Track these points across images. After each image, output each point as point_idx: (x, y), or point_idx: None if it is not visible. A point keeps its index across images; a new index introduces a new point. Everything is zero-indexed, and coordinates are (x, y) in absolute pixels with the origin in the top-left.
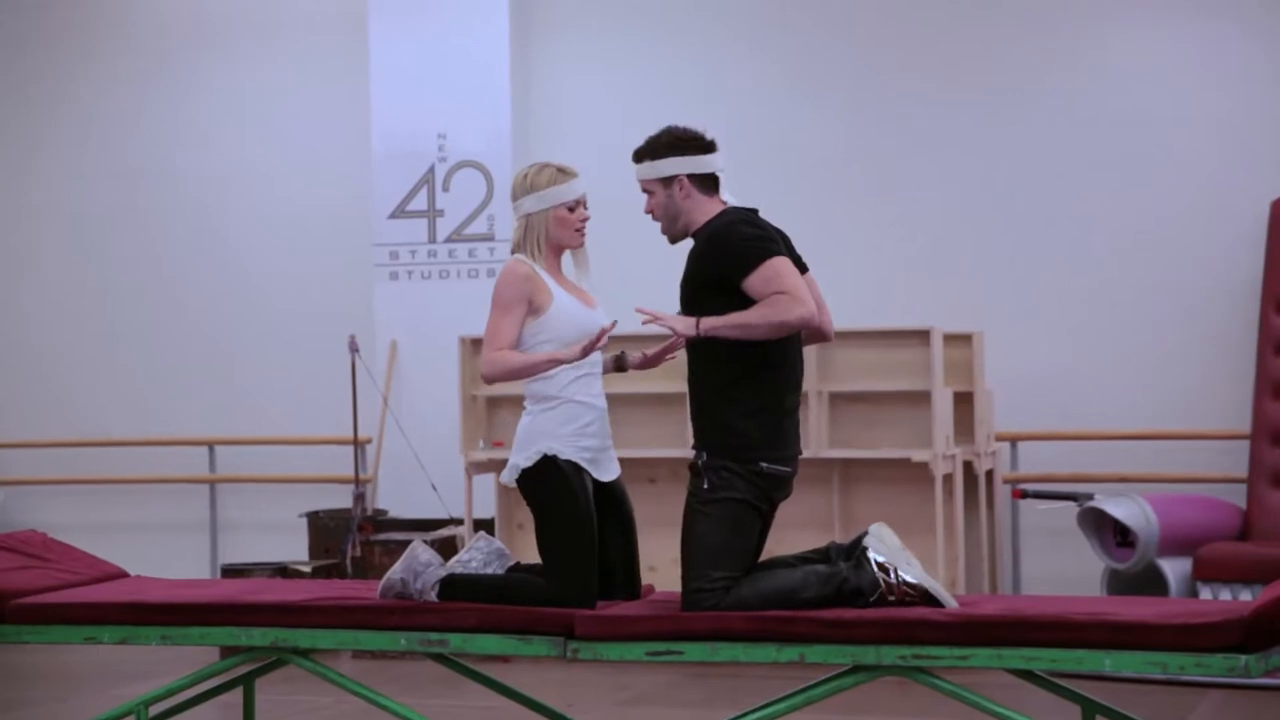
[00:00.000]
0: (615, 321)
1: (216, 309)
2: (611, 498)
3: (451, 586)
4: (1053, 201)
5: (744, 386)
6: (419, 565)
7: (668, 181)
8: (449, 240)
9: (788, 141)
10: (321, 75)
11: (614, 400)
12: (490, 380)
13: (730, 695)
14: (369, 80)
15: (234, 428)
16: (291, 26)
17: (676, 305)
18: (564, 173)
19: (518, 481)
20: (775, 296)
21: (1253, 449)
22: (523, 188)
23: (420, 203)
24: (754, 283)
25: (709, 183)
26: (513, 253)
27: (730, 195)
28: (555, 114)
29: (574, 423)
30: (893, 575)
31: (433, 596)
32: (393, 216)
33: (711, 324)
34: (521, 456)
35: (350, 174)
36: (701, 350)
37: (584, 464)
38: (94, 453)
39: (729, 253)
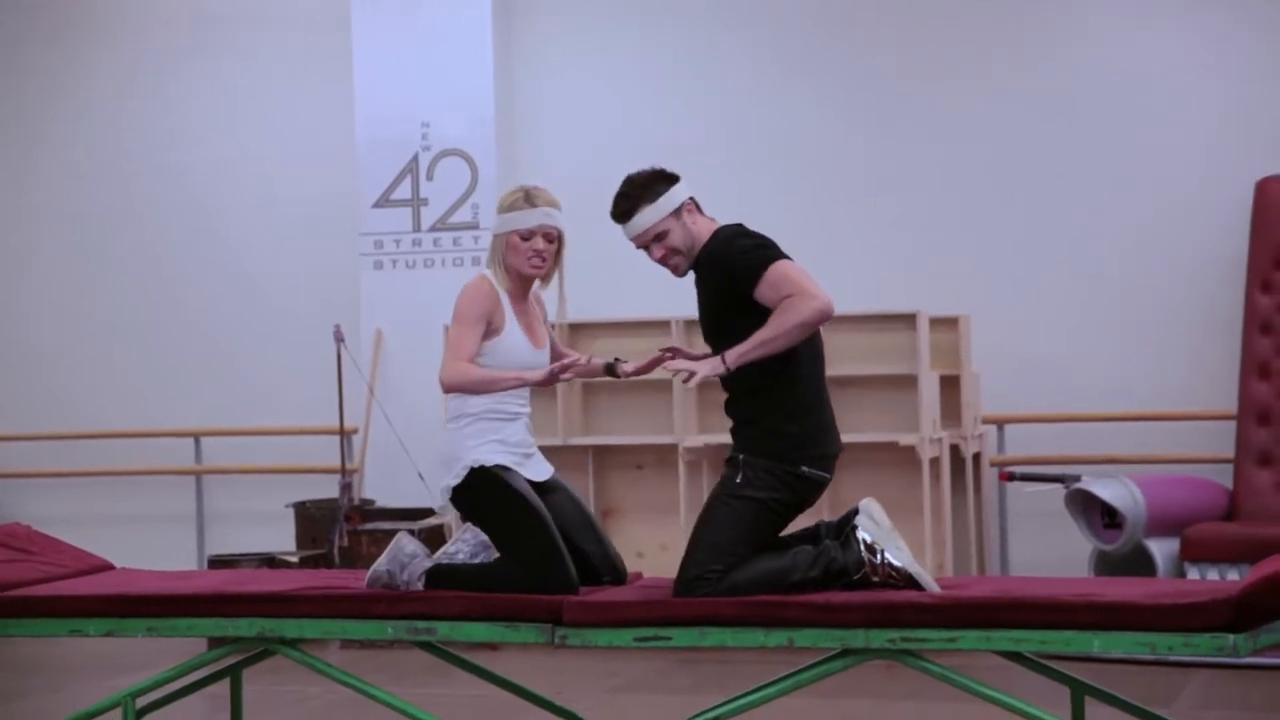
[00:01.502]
0: (589, 357)
1: (202, 300)
2: (555, 491)
3: (437, 577)
4: (1038, 185)
5: (784, 389)
6: (404, 556)
7: (677, 212)
8: (433, 229)
9: (775, 128)
10: (305, 65)
11: (600, 388)
12: (448, 389)
13: (719, 681)
14: (352, 69)
15: (220, 419)
16: (275, 16)
17: (665, 295)
18: (529, 198)
19: (453, 501)
20: (786, 301)
21: (1239, 429)
22: (497, 207)
23: (404, 191)
24: (764, 290)
25: (697, 203)
26: (485, 268)
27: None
28: (539, 102)
29: (493, 434)
30: (878, 557)
31: (419, 587)
32: (377, 206)
33: (738, 354)
34: (450, 475)
35: (334, 163)
36: (737, 372)
37: (512, 465)
38: (80, 445)
39: (731, 267)
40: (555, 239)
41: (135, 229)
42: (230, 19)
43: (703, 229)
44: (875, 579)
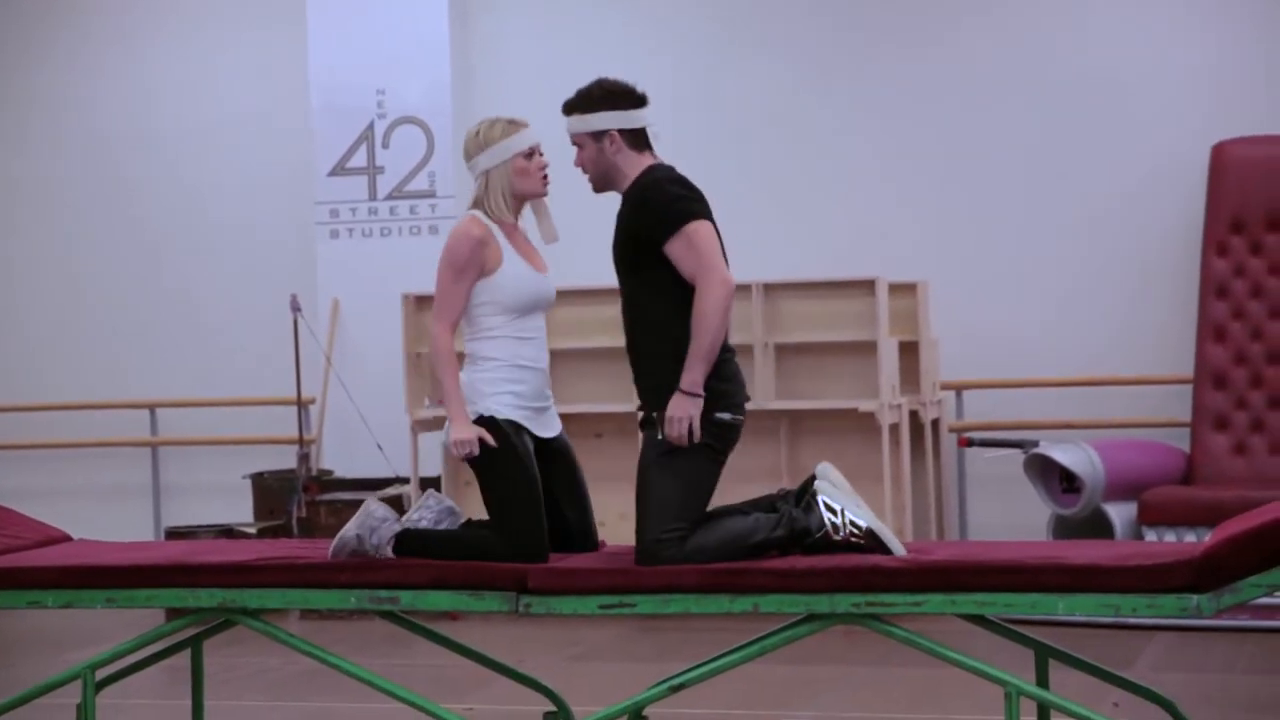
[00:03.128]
0: (491, 444)
1: (157, 271)
2: (556, 454)
3: (407, 541)
4: (995, 151)
5: (686, 343)
6: (374, 520)
7: (598, 136)
8: (390, 197)
9: (731, 94)
10: (259, 33)
11: (558, 355)
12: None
13: (682, 648)
14: (307, 37)
15: (175, 390)
16: None
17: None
18: (514, 124)
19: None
20: (698, 299)
21: (1195, 393)
22: (475, 145)
23: (360, 160)
24: (675, 246)
25: (639, 138)
26: (471, 209)
27: (659, 151)
28: (496, 68)
29: (511, 384)
30: (840, 517)
31: (389, 552)
32: (332, 174)
33: (692, 380)
34: None
35: (289, 132)
36: (637, 312)
37: (523, 421)
38: (35, 417)
39: (653, 212)
40: (542, 155)
41: (88, 201)
42: None
43: (630, 164)
44: (837, 538)
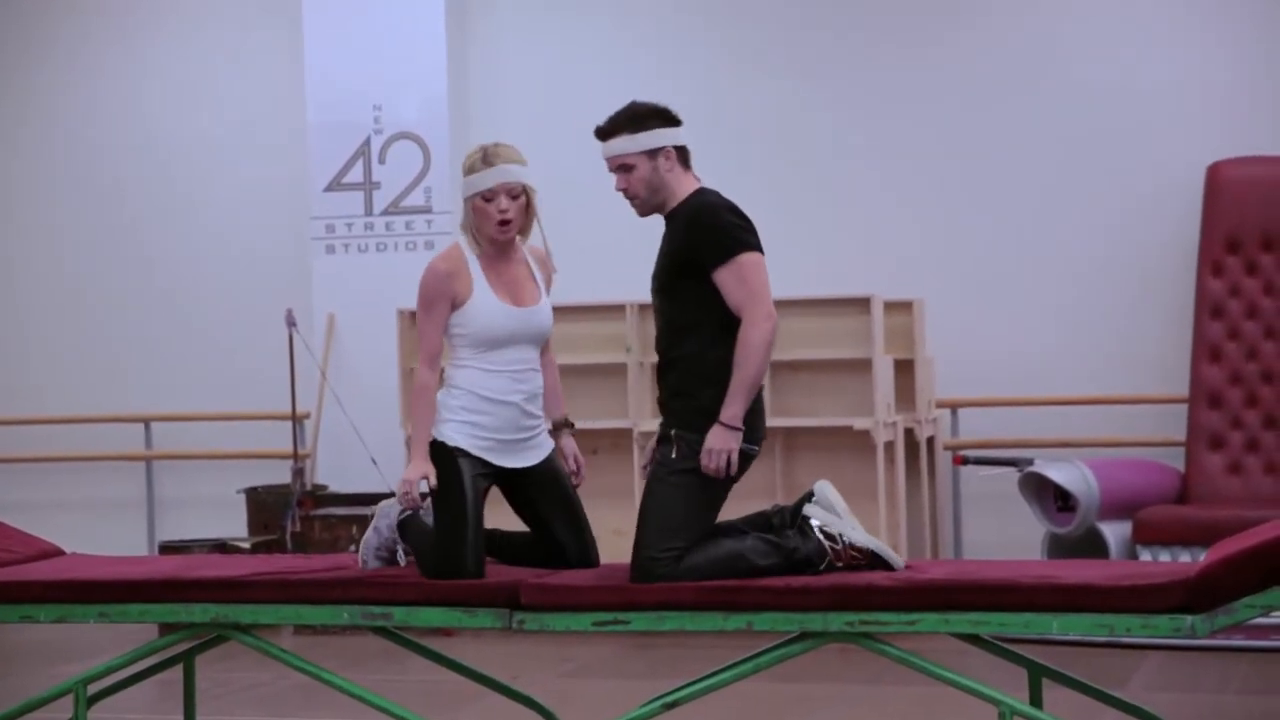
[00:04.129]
0: (432, 488)
1: (153, 285)
2: (544, 479)
3: (405, 525)
4: (992, 170)
5: (717, 366)
6: (387, 507)
7: (653, 153)
8: (386, 213)
9: (728, 111)
10: (255, 47)
11: None
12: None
13: (675, 666)
14: (303, 52)
15: (170, 404)
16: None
17: (618, 280)
18: (486, 158)
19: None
20: (746, 336)
21: (1191, 412)
22: (463, 170)
23: (356, 175)
24: (724, 275)
25: (686, 155)
26: (461, 231)
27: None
28: (492, 84)
29: (471, 414)
30: (839, 541)
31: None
32: (328, 189)
33: (733, 414)
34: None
35: (285, 147)
36: (675, 334)
37: (478, 452)
38: (29, 430)
39: (706, 238)
40: (520, 194)
41: (83, 214)
42: (181, 2)
43: (680, 183)
44: (840, 564)
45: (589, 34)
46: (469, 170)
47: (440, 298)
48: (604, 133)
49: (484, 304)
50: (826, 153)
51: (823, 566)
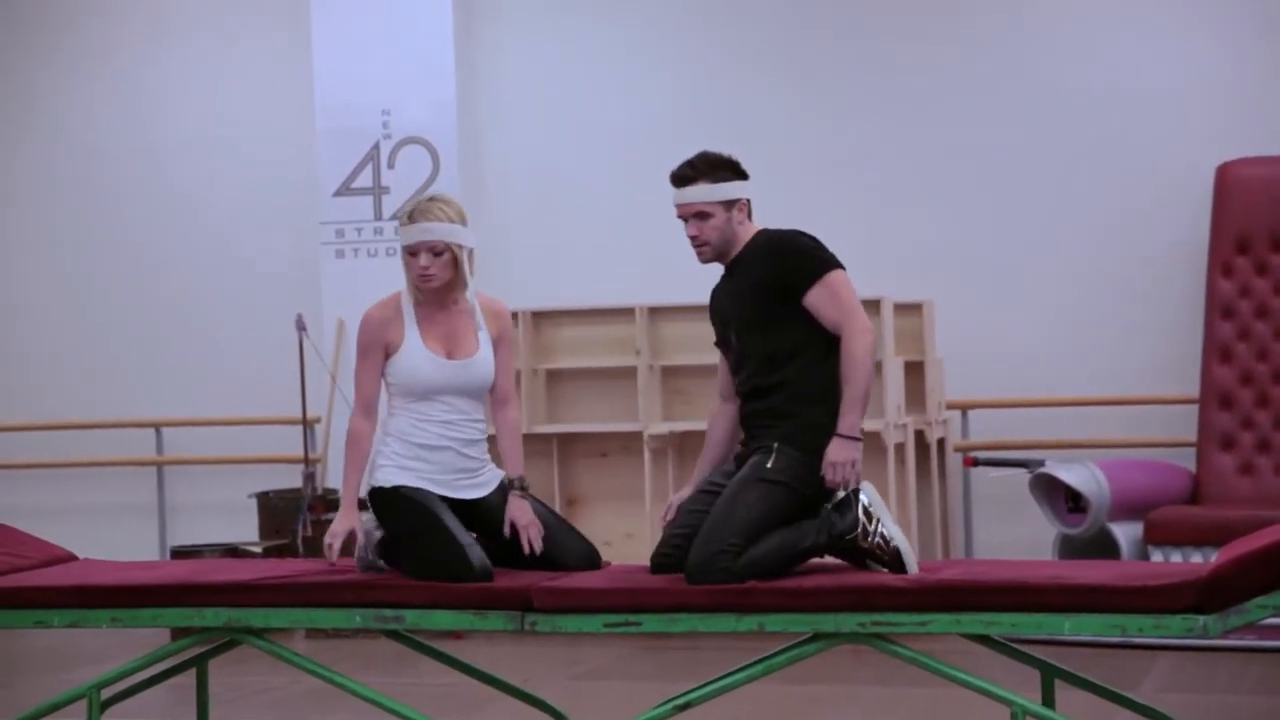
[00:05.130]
0: (381, 540)
1: (162, 290)
2: (493, 510)
3: (395, 559)
4: (1001, 171)
5: (824, 387)
6: (369, 524)
7: (729, 205)
8: (395, 217)
9: (734, 113)
10: (264, 52)
11: (563, 375)
12: None
13: (686, 668)
14: (312, 57)
15: (181, 409)
16: (234, 2)
17: (628, 283)
18: (410, 216)
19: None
20: (850, 350)
21: (1201, 413)
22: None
23: (365, 180)
24: (817, 295)
25: (751, 209)
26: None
27: None
28: (501, 88)
29: (408, 460)
30: (873, 524)
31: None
32: (338, 194)
33: (850, 425)
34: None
35: (294, 152)
36: (775, 363)
37: (418, 483)
38: (39, 436)
39: (797, 262)
40: (443, 251)
41: (95, 219)
42: (189, 6)
43: (745, 231)
44: (864, 544)
45: (597, 39)
46: (400, 223)
47: (373, 345)
48: (680, 180)
49: (413, 354)
50: (834, 155)
51: (849, 537)
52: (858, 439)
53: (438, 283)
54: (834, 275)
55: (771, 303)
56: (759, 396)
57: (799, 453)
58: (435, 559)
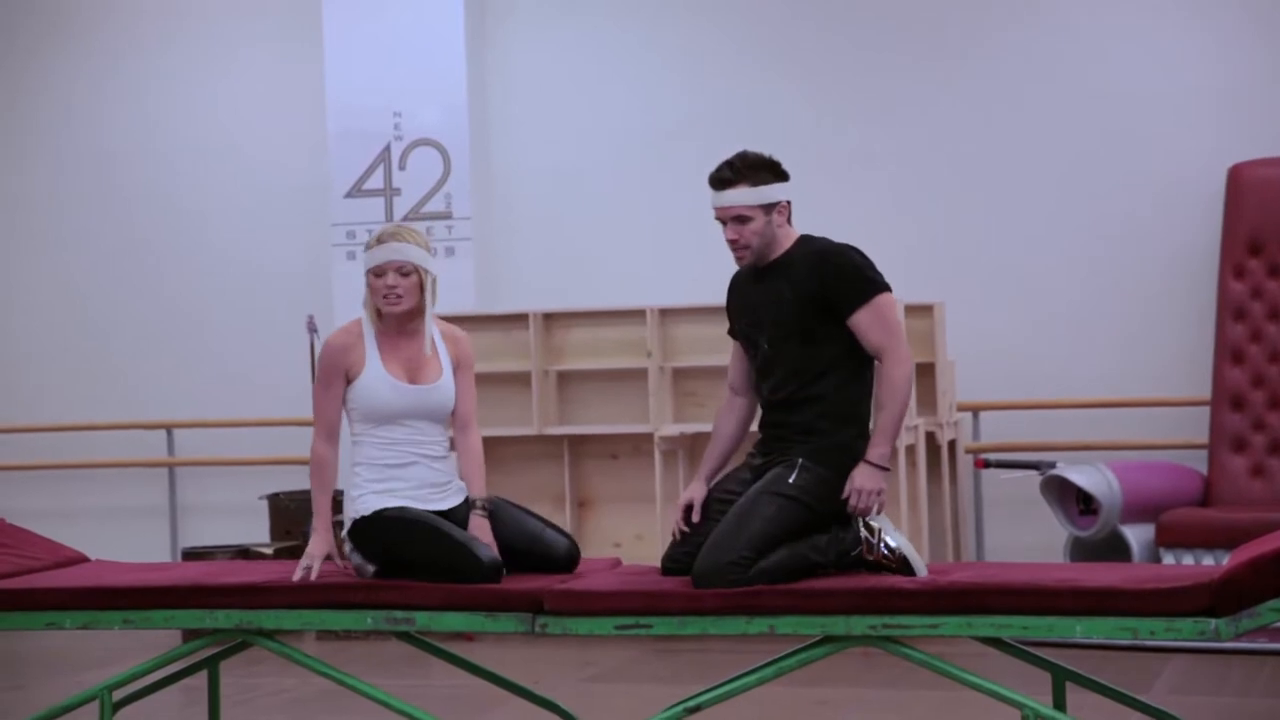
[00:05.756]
0: (309, 570)
1: (174, 291)
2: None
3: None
4: (1012, 173)
5: (863, 410)
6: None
7: (769, 208)
8: (406, 219)
9: (748, 116)
10: (276, 54)
11: (573, 376)
12: None
13: (697, 670)
14: (324, 59)
15: (192, 410)
16: (245, 6)
17: (639, 285)
18: (380, 239)
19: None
20: (889, 377)
21: (1213, 415)
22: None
23: (377, 181)
24: (863, 317)
25: (790, 211)
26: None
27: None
28: (512, 89)
29: (380, 484)
30: (876, 537)
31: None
32: (349, 195)
33: (880, 454)
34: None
35: (306, 154)
36: (809, 377)
37: (398, 502)
38: (52, 437)
39: (845, 281)
40: (410, 273)
41: (107, 221)
42: (200, 10)
43: (785, 234)
44: (870, 557)
45: (607, 40)
46: (366, 248)
47: (334, 371)
48: (720, 182)
49: (369, 380)
50: (846, 157)
51: (854, 553)
52: (887, 469)
53: (404, 305)
54: (882, 299)
55: (813, 317)
56: (787, 409)
57: (824, 470)
58: (443, 564)
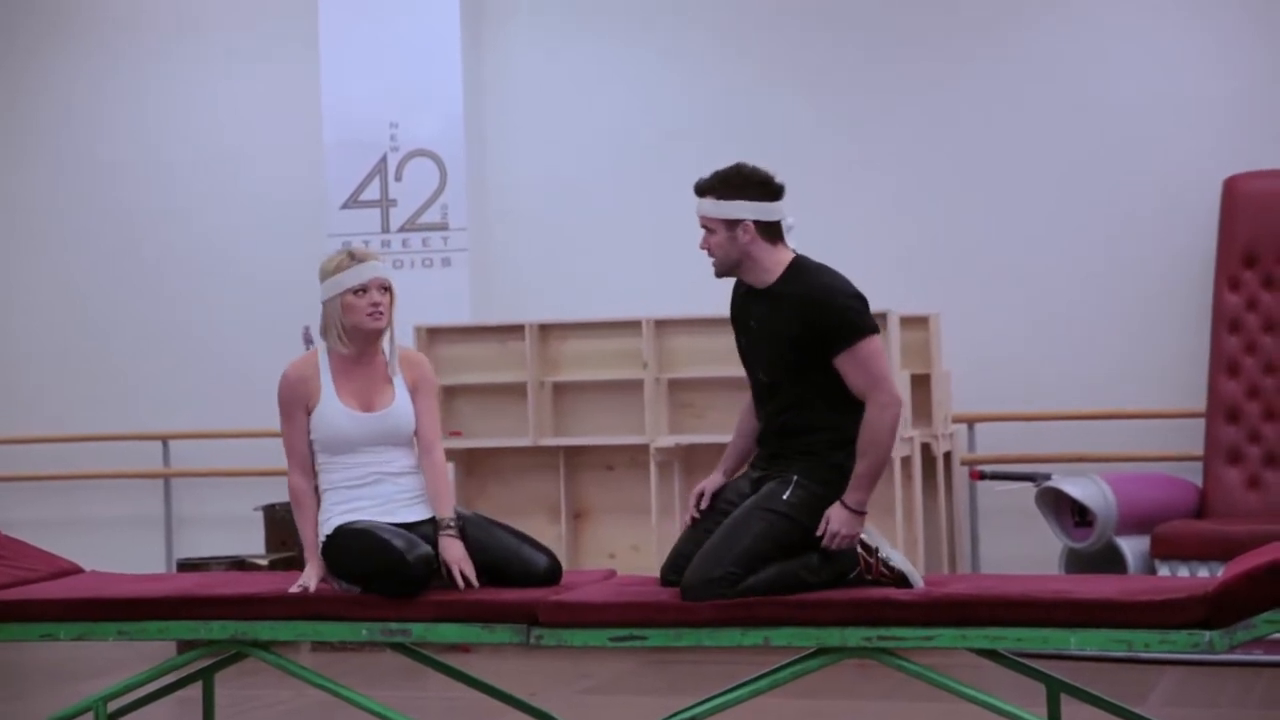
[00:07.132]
0: (305, 588)
1: (169, 303)
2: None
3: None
4: (1008, 184)
5: (850, 429)
6: None
7: (731, 224)
8: (403, 230)
9: (745, 127)
10: (272, 66)
11: (569, 388)
12: None
13: (692, 682)
14: (320, 70)
15: (187, 422)
16: (241, 16)
17: (635, 296)
18: (354, 258)
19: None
20: (871, 423)
21: (1208, 427)
22: (321, 277)
23: (373, 192)
24: (845, 361)
25: (773, 230)
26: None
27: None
28: (508, 101)
29: (348, 503)
30: (873, 556)
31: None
32: (345, 207)
33: (857, 500)
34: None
35: (302, 164)
36: (809, 405)
37: (363, 517)
38: (46, 449)
39: (828, 323)
40: (388, 289)
41: (103, 232)
42: (197, 20)
43: (767, 255)
44: (869, 577)
45: (604, 51)
46: (335, 270)
47: (293, 404)
48: (697, 189)
49: (326, 410)
50: (842, 167)
51: (852, 575)
52: (863, 514)
53: (386, 321)
54: (865, 344)
55: (803, 355)
56: (783, 436)
57: (818, 488)
58: (375, 566)
